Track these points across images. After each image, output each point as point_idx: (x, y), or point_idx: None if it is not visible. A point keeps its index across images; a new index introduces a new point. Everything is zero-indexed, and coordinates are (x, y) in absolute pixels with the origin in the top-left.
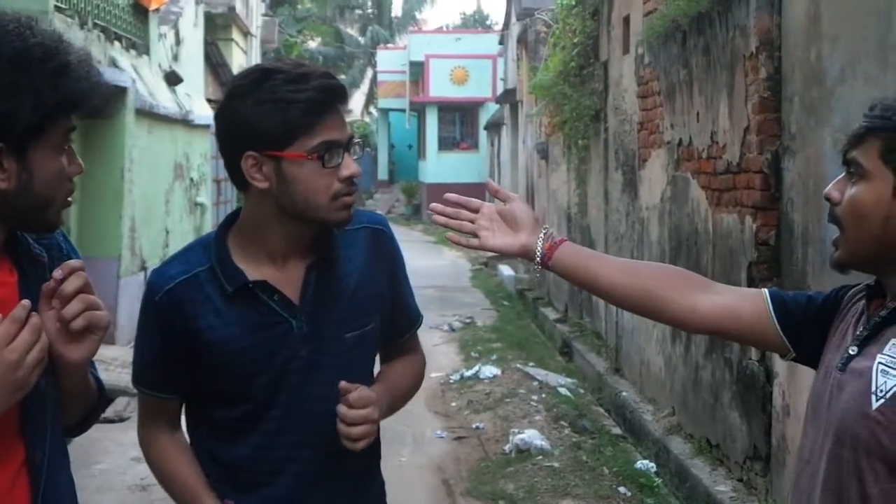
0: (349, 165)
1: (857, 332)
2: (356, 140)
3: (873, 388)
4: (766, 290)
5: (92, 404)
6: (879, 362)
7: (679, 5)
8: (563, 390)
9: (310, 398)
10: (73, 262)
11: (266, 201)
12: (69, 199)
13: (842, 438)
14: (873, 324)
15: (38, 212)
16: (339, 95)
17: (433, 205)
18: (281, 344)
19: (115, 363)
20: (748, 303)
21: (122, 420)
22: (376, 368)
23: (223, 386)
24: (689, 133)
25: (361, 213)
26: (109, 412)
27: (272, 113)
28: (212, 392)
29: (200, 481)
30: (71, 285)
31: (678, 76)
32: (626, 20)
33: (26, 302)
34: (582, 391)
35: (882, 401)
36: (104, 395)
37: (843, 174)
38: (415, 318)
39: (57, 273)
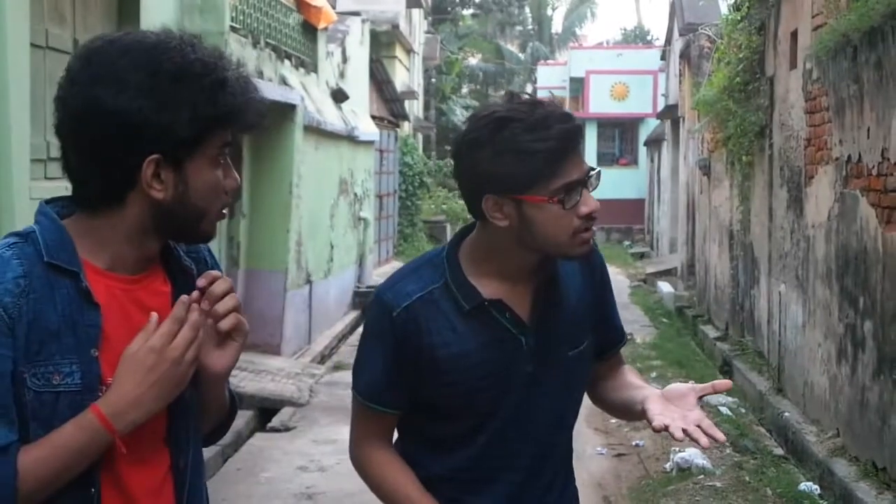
0: (588, 202)
1: None
2: (594, 172)
3: None
4: None
5: (224, 415)
6: None
7: (850, 20)
8: (724, 409)
9: (530, 410)
10: (214, 272)
11: (506, 235)
12: (224, 211)
13: None
14: None
15: (193, 222)
16: (578, 138)
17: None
18: (509, 360)
19: (280, 374)
20: None
21: (287, 430)
22: None
23: (447, 401)
24: (858, 149)
25: None
26: (276, 422)
27: (513, 163)
28: (432, 408)
29: (425, 493)
30: (220, 287)
31: (848, 91)
32: (794, 35)
33: (185, 298)
34: (743, 410)
35: None
36: (235, 407)
37: None
38: (622, 334)
39: (200, 281)
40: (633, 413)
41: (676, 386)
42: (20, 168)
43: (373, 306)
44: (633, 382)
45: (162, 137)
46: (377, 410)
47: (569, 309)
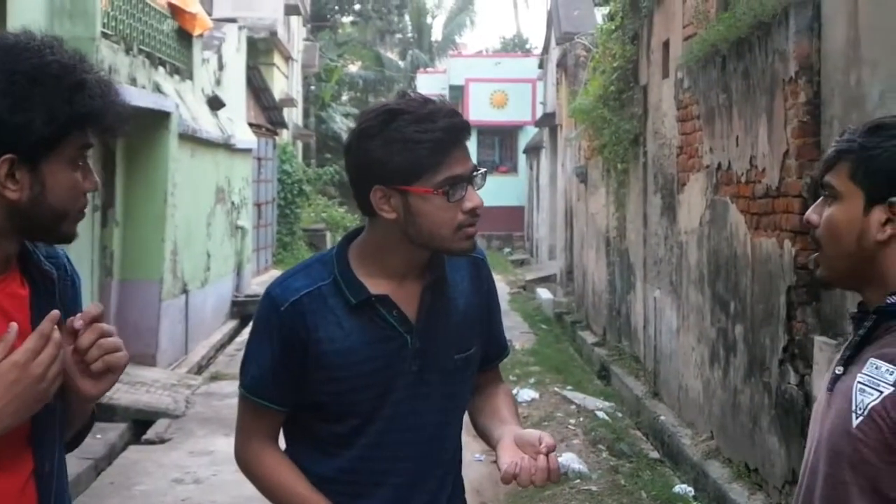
0: (472, 198)
1: (842, 353)
2: (479, 171)
3: (853, 407)
4: None
5: (85, 424)
6: (858, 381)
7: (719, 30)
8: (601, 414)
9: (413, 413)
10: (93, 310)
11: (393, 229)
12: (83, 212)
13: (831, 457)
14: (853, 343)
15: (51, 223)
16: (464, 133)
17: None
18: (394, 358)
19: (156, 385)
20: None
21: (163, 442)
22: None
23: (331, 399)
24: (728, 157)
25: None
26: (151, 434)
27: (400, 152)
28: (316, 406)
29: (310, 488)
30: (86, 340)
31: (717, 100)
32: (666, 45)
33: (53, 314)
34: (620, 415)
35: (860, 418)
36: (94, 417)
37: (821, 198)
38: (504, 347)
39: (77, 323)
40: (489, 443)
41: (528, 434)
42: None
43: (261, 302)
44: (499, 413)
45: (16, 138)
46: (263, 406)
47: (457, 312)
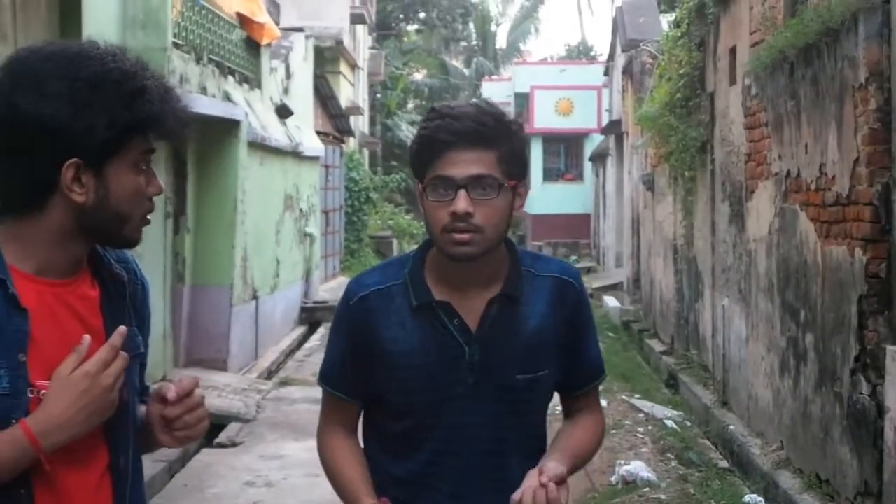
0: (457, 203)
1: None
2: (490, 181)
3: None
4: None
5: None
6: None
7: (786, 37)
8: (669, 423)
9: (470, 427)
10: (186, 385)
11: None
12: (148, 217)
13: None
14: None
15: (115, 227)
16: (459, 135)
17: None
18: (451, 367)
19: (227, 389)
20: None
21: (234, 445)
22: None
23: (391, 397)
24: (797, 165)
25: (554, 262)
26: (222, 437)
27: (412, 148)
28: (380, 402)
29: (363, 481)
30: (173, 413)
31: (786, 107)
32: (733, 51)
33: (123, 329)
34: (688, 424)
35: None
36: None
37: None
38: (595, 374)
39: (170, 395)
40: None
41: (546, 463)
42: None
43: (342, 294)
44: (558, 442)
45: (80, 142)
46: (334, 396)
47: (526, 331)
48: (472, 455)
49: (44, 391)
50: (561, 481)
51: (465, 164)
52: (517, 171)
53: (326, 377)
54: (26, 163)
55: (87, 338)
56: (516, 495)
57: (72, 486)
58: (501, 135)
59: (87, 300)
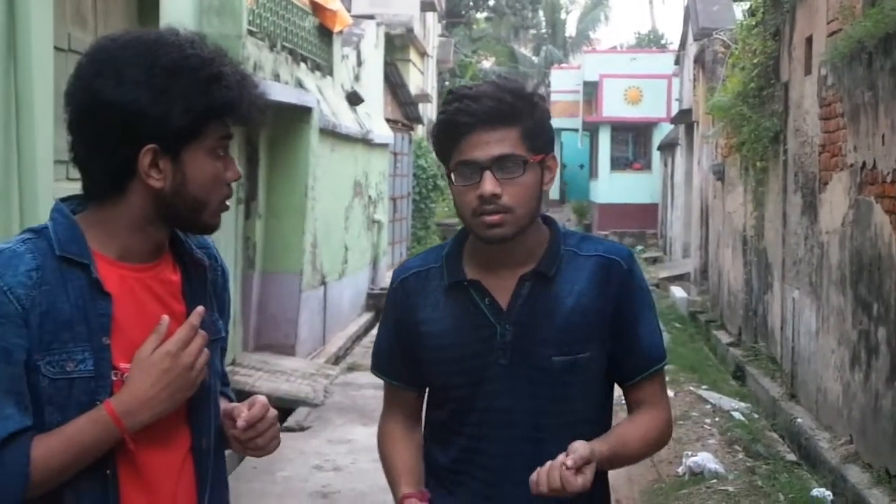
0: (484, 185)
1: None
2: (514, 159)
3: None
4: None
5: None
6: None
7: (865, 26)
8: (736, 414)
9: (506, 411)
10: (256, 411)
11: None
12: (226, 203)
13: None
14: None
15: (193, 212)
16: (481, 119)
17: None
18: (484, 347)
19: (295, 374)
20: None
21: (302, 429)
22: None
23: (433, 381)
24: (873, 156)
25: (601, 242)
26: (291, 422)
27: (433, 133)
28: (429, 389)
29: (407, 470)
30: (245, 436)
31: (863, 98)
32: (809, 40)
33: (200, 309)
34: (756, 416)
35: None
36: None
37: None
38: (650, 361)
39: (240, 423)
40: None
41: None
42: (44, 169)
43: None
44: (609, 433)
45: (157, 128)
46: (387, 382)
47: (562, 311)
48: (507, 442)
49: (126, 373)
50: (585, 463)
51: (488, 145)
52: (542, 144)
53: (375, 362)
54: (106, 148)
55: (165, 318)
56: (534, 475)
57: (155, 466)
58: (523, 110)
59: (169, 284)
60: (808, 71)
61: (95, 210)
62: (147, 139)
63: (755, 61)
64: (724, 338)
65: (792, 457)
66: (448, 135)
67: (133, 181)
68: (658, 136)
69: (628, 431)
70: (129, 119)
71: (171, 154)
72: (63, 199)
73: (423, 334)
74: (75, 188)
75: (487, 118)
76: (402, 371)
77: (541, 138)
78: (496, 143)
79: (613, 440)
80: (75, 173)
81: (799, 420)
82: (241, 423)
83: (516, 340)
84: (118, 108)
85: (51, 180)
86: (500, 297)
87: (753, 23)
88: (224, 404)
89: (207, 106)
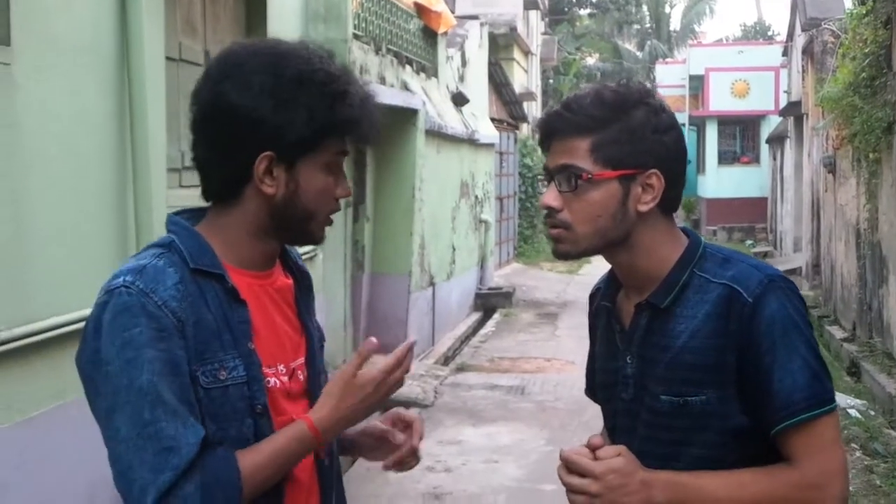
0: (544, 196)
1: None
2: (573, 171)
3: None
4: None
5: None
6: None
7: None
8: (852, 412)
9: (631, 447)
10: (418, 426)
11: None
12: (331, 217)
13: None
14: None
15: (302, 223)
16: (554, 128)
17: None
18: (615, 378)
19: (405, 375)
20: None
21: None
22: None
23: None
24: None
25: (737, 264)
26: None
27: None
28: None
29: None
30: (399, 454)
31: None
32: None
33: (411, 340)
34: (872, 413)
35: None
36: None
37: None
38: (792, 410)
39: (414, 451)
40: None
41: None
42: (158, 177)
43: None
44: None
45: (276, 136)
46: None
47: (674, 346)
48: None
49: (271, 378)
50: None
51: (557, 154)
52: (625, 157)
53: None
54: (225, 150)
55: (372, 340)
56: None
57: (299, 469)
58: (604, 118)
59: (284, 292)
60: None
61: (213, 219)
62: (265, 146)
63: (866, 51)
64: (838, 333)
65: None
66: (541, 140)
67: (248, 186)
68: (766, 129)
69: (735, 479)
70: (250, 124)
71: (286, 163)
72: (175, 213)
73: (594, 353)
74: (188, 195)
75: (563, 125)
76: (593, 387)
77: (625, 150)
78: (563, 153)
79: (689, 478)
80: (187, 181)
81: None
82: (387, 463)
83: (637, 374)
84: (241, 112)
85: (164, 188)
86: (629, 324)
87: (864, 11)
88: (366, 423)
89: (329, 121)
